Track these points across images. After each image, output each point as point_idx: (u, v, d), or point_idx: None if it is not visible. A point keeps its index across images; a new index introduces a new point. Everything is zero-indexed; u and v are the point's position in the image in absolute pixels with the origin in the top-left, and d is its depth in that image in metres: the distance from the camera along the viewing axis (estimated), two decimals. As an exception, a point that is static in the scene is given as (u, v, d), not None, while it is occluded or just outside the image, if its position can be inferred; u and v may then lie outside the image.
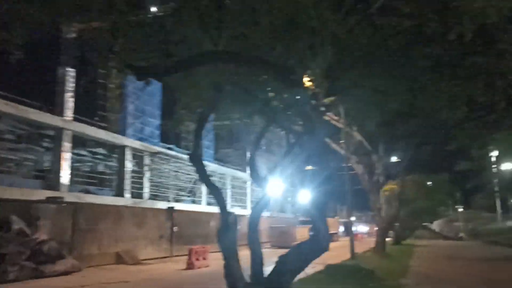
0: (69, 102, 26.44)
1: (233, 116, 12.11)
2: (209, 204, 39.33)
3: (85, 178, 29.04)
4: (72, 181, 27.66)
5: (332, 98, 14.80)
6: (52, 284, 14.08)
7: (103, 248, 18.93)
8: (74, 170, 28.58)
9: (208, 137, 40.78)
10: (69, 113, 26.27)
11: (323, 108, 11.88)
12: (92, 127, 27.85)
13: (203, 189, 38.84)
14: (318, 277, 12.89)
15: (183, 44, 8.13)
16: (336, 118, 21.79)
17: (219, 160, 43.43)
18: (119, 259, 19.55)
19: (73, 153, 29.34)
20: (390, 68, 9.99)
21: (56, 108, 26.18)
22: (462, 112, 11.87)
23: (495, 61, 9.59)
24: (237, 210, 40.63)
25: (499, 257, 21.58)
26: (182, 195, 37.75)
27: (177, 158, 35.30)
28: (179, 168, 36.09)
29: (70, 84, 26.44)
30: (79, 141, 28.38)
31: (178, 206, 26.99)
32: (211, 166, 39.92)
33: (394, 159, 28.57)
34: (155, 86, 31.03)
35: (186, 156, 38.02)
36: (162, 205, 29.05)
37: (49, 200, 17.17)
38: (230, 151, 46.38)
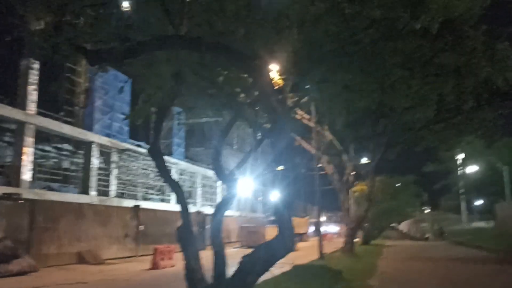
0: (32, 95, 25.27)
1: (200, 111, 11.58)
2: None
3: (48, 175, 27.88)
4: (34, 177, 26.49)
5: (303, 96, 14.51)
6: (5, 285, 13.21)
7: (64, 247, 18.01)
8: (37, 166, 27.39)
9: (179, 135, 40.02)
10: (32, 107, 25.10)
11: (290, 104, 11.50)
12: (56, 122, 26.73)
13: (173, 187, 38.03)
14: (284, 278, 12.50)
15: (142, 29, 7.56)
16: (307, 117, 21.52)
17: (190, 158, 42.68)
18: (81, 259, 18.67)
19: (36, 149, 28.15)
20: (361, 63, 9.67)
21: (18, 101, 24.98)
22: (432, 112, 11.68)
23: (465, 59, 9.41)
24: (207, 209, 40.00)
25: (464, 257, 21.73)
26: (151, 194, 36.87)
27: (147, 155, 34.38)
28: (148, 166, 35.17)
29: (34, 77, 25.27)
30: (43, 137, 27.21)
31: (145, 204, 26.20)
32: (181, 164, 39.18)
33: (364, 160, 28.60)
34: (125, 81, 30.06)
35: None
36: (128, 203, 28.15)
37: (5, 196, 16.16)
38: (201, 150, 45.67)
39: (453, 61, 9.43)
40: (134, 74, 9.09)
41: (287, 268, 14.59)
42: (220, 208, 9.42)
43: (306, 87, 10.22)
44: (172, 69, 7.56)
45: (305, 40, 8.61)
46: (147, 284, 14.13)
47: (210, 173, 44.18)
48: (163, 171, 8.40)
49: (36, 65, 25.34)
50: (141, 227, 22.87)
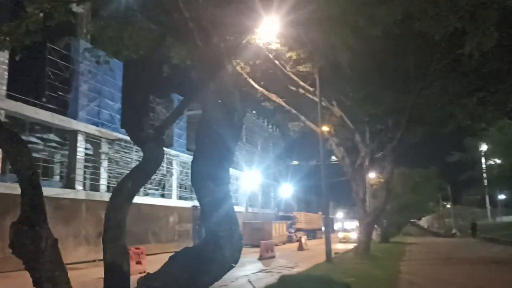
0: (3, 76, 21.52)
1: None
2: (181, 198, 34.56)
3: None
4: (6, 170, 22.80)
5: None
6: None
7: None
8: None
9: (180, 125, 35.95)
10: (1, 89, 21.33)
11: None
12: (32, 107, 22.89)
13: (174, 181, 34.09)
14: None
15: None
16: (311, 89, 17.18)
17: (192, 151, 38.65)
18: (35, 263, 14.68)
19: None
20: None
21: (-15, 83, 21.27)
22: (490, 42, 7.11)
23: None
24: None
25: (507, 258, 16.98)
26: (149, 188, 32.93)
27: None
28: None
29: (4, 55, 21.49)
30: (22, 125, 23.48)
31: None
32: (183, 157, 35.17)
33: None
34: (116, 65, 26.18)
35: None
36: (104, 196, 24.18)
37: None
38: (207, 142, 41.39)
39: None
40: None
41: (275, 276, 10.29)
42: (123, 186, 5.21)
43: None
44: None
45: None
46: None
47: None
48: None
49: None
50: (120, 224, 18.81)
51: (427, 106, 18.27)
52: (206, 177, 3.64)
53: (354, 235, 32.78)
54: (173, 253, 4.20)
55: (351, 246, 23.31)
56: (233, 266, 3.99)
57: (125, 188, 5.10)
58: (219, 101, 3.34)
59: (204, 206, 3.77)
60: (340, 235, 36.43)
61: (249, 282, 10.14)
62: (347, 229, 42.44)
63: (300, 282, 8.69)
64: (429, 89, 17.55)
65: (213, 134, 3.46)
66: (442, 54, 14.80)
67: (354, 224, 62.42)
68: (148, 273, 4.08)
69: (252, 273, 13.65)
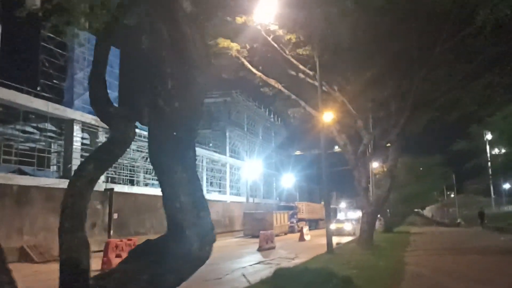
0: (-6, 63, 20.84)
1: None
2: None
3: (20, 157, 23.52)
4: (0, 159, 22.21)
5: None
6: None
7: (-2, 241, 13.43)
8: (5, 147, 23.11)
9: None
10: (-7, 77, 20.65)
11: None
12: (26, 96, 22.19)
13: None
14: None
15: None
16: (311, 73, 16.37)
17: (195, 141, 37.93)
18: (24, 256, 14.13)
19: (14, 129, 23.97)
20: None
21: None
22: (507, 6, 6.28)
23: None
24: (214, 196, 35.25)
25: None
26: (150, 178, 32.30)
27: (142, 136, 29.83)
28: (144, 147, 30.57)
29: (-5, 42, 20.81)
30: (16, 114, 22.83)
31: (122, 188, 21.50)
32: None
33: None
34: (112, 52, 25.37)
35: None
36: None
37: None
38: (208, 132, 40.76)
39: None
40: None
41: (272, 269, 9.55)
42: (84, 169, 4.46)
43: None
44: None
45: None
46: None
47: (218, 156, 39.39)
48: None
49: (-2, 29, 20.89)
50: (115, 215, 18.24)
51: (432, 91, 17.45)
52: (164, 153, 2.91)
53: (348, 227, 30.84)
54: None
55: (345, 239, 22.56)
56: (204, 263, 3.27)
57: (86, 171, 4.35)
58: (176, 53, 2.59)
59: (165, 189, 3.03)
60: (333, 226, 31.42)
61: (243, 275, 9.47)
62: (340, 220, 36.78)
63: (297, 275, 7.97)
64: (434, 72, 16.73)
65: (168, 98, 2.72)
66: (448, 35, 13.96)
67: (356, 214, 61.50)
68: (102, 272, 3.38)
69: (250, 265, 13.01)
